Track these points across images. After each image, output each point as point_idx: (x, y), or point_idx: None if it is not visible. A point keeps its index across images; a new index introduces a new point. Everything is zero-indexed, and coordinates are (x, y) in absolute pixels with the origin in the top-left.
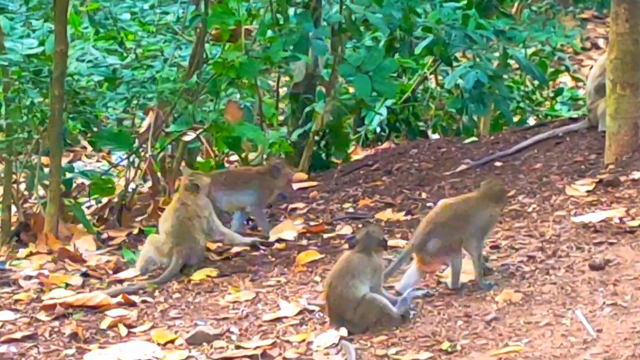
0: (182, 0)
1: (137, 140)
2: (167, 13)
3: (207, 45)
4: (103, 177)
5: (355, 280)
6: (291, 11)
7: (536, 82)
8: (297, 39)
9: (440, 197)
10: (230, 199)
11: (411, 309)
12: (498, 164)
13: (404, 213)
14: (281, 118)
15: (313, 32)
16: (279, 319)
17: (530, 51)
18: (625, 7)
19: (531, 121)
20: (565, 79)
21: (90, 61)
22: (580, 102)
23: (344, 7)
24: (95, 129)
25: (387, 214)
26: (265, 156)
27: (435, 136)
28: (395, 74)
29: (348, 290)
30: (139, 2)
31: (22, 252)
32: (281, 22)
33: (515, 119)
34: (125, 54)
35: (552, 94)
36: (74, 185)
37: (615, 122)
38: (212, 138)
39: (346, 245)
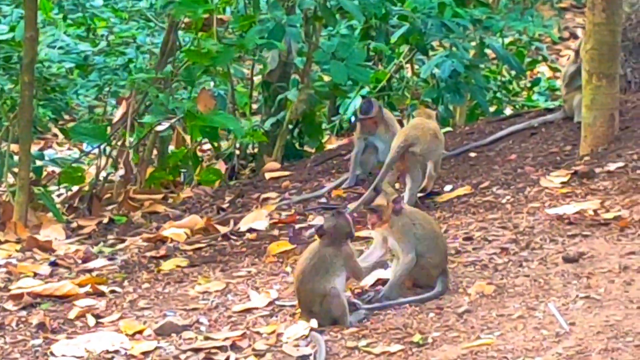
0: None
1: (109, 129)
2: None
3: (180, 33)
4: (73, 165)
5: (328, 275)
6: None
7: (513, 72)
8: (271, 27)
9: None
10: None
11: (364, 319)
12: (472, 154)
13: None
14: (256, 106)
15: (286, 19)
16: (249, 310)
17: (507, 41)
18: None
19: (508, 111)
20: (542, 69)
21: (61, 48)
22: (558, 93)
23: None
24: (66, 117)
25: None
26: (237, 145)
27: None
28: (371, 62)
29: (319, 286)
30: None
31: None
32: (252, 10)
33: (492, 109)
34: (97, 41)
35: (529, 84)
36: (44, 173)
37: (591, 113)
38: (186, 127)
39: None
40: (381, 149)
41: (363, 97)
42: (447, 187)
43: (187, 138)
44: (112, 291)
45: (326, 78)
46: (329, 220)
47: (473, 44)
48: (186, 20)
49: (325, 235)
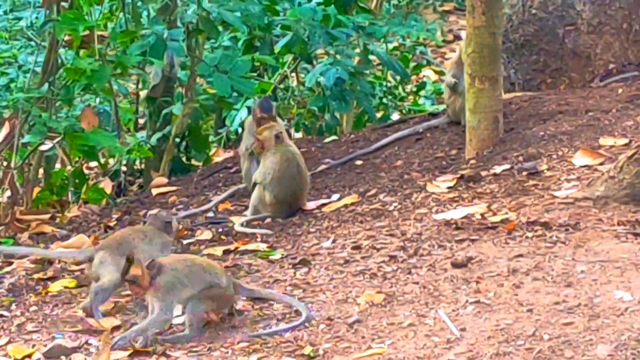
0: (37, 5)
1: None
2: (20, 19)
3: (62, 51)
4: None
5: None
6: (145, 14)
7: (398, 77)
8: (153, 42)
9: None
10: None
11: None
12: (359, 162)
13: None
14: (143, 121)
15: (168, 33)
16: None
17: (391, 46)
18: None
19: (395, 116)
20: (427, 73)
21: None
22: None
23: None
24: None
25: None
26: (124, 162)
27: (298, 135)
28: (256, 73)
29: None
30: None
31: None
32: (132, 26)
33: (379, 115)
34: None
35: (415, 89)
36: None
37: (475, 116)
38: (67, 146)
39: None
40: None
41: (248, 108)
42: (335, 196)
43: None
44: (0, 315)
45: (211, 90)
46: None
47: (357, 50)
48: (67, 37)
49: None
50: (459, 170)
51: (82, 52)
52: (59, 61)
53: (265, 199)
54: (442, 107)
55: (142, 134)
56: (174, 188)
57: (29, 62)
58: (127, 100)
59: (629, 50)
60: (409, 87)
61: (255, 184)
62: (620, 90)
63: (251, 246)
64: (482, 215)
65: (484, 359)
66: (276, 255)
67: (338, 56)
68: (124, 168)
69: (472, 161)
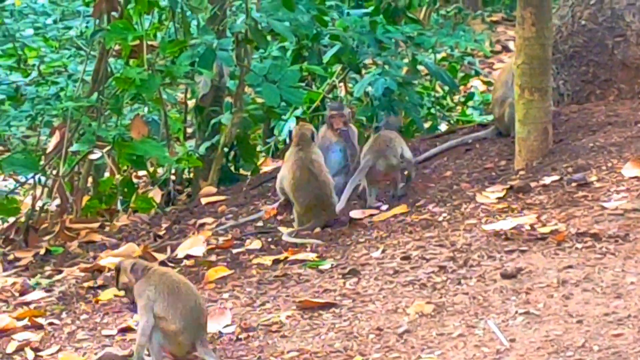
0: (86, 15)
1: (43, 159)
2: (69, 28)
3: (112, 60)
4: (8, 196)
5: None
6: (194, 23)
7: (446, 88)
8: (202, 52)
9: (349, 209)
10: None
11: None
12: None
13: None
14: (191, 131)
15: (217, 43)
16: None
17: (439, 56)
18: (531, 10)
19: (443, 127)
20: (475, 83)
21: None
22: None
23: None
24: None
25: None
26: (173, 171)
27: None
28: (304, 83)
29: None
30: (41, 17)
31: None
32: (182, 35)
33: (427, 125)
34: (28, 71)
35: (463, 99)
36: None
37: (525, 127)
38: (116, 155)
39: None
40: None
41: (297, 117)
42: (384, 207)
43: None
44: (51, 323)
45: (259, 100)
46: None
47: (405, 61)
48: (117, 47)
49: None
50: (508, 181)
51: (131, 61)
52: (109, 70)
53: (296, 207)
54: (490, 117)
55: (190, 144)
56: (222, 197)
57: (79, 71)
58: (175, 109)
59: None
60: (457, 98)
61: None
62: None
63: (301, 256)
64: (531, 226)
65: None
66: (326, 265)
67: (386, 66)
68: (172, 177)
69: (522, 172)
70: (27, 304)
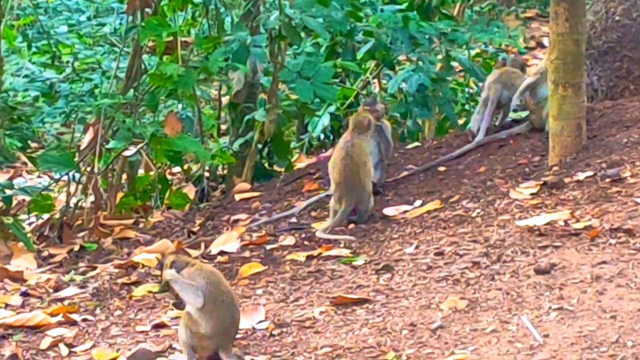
0: (120, 11)
1: (77, 155)
2: (103, 24)
3: (145, 57)
4: (42, 193)
5: None
6: (228, 20)
7: (480, 84)
8: (236, 48)
9: (383, 205)
10: None
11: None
12: (441, 168)
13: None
14: (225, 127)
15: (250, 39)
16: None
17: (473, 52)
18: (564, 6)
19: None
20: None
21: (26, 76)
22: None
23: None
24: (34, 145)
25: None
26: (207, 167)
27: None
28: (338, 79)
29: None
30: (75, 14)
31: None
32: (216, 31)
33: (461, 121)
34: (62, 68)
35: None
36: (14, 202)
37: (558, 123)
38: (151, 151)
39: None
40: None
41: (330, 114)
42: (417, 202)
43: (150, 162)
44: (85, 319)
45: (293, 97)
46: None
47: (439, 57)
48: (151, 43)
49: None
50: (541, 177)
51: (165, 58)
52: (143, 67)
53: (332, 185)
54: (524, 114)
55: (224, 140)
56: (256, 194)
57: (112, 68)
58: (209, 106)
59: None
60: None
61: None
62: None
63: (334, 252)
64: (565, 222)
65: None
66: (359, 261)
67: (420, 63)
68: (206, 174)
69: (555, 168)
70: (61, 300)
